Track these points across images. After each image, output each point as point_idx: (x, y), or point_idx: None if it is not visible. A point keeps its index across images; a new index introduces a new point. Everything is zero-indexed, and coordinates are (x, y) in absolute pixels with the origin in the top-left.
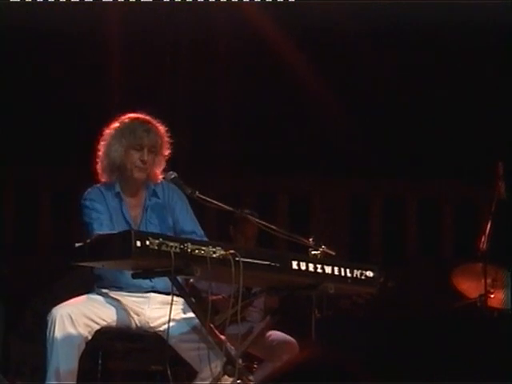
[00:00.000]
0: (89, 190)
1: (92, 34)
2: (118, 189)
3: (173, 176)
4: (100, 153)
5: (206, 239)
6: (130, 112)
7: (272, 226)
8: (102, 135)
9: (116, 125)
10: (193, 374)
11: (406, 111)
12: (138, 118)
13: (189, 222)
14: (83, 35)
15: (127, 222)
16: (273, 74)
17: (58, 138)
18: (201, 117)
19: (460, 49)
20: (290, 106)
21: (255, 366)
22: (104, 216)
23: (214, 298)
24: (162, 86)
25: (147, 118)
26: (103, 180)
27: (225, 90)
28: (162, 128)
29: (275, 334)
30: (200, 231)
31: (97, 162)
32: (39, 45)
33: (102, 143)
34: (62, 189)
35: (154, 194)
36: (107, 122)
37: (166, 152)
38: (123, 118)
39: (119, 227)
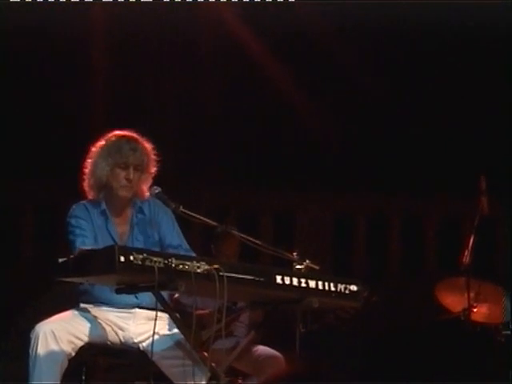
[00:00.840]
0: (73, 206)
1: (80, 36)
2: (103, 206)
3: (157, 191)
4: (86, 171)
5: (192, 253)
6: (117, 128)
7: (256, 241)
8: (88, 153)
9: (102, 143)
10: None
11: (390, 127)
12: (124, 136)
13: (175, 237)
14: (68, 36)
15: (113, 240)
16: (257, 91)
17: (43, 153)
18: (186, 133)
19: (450, 61)
20: (274, 123)
21: (240, 381)
22: (88, 233)
23: (201, 312)
24: (145, 105)
25: (133, 135)
26: (90, 197)
27: (209, 107)
28: (148, 146)
29: (261, 349)
30: (186, 245)
31: (83, 180)
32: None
33: (88, 161)
34: (45, 203)
35: (141, 210)
36: (93, 131)
37: (153, 169)
38: (109, 135)
39: (105, 245)
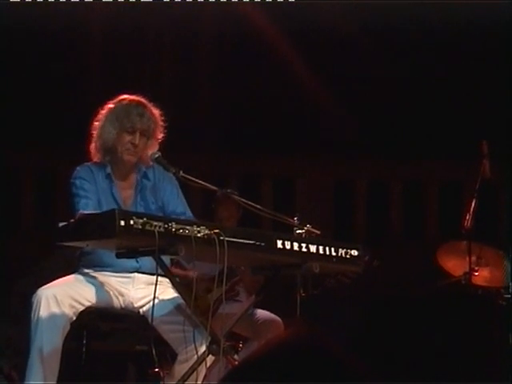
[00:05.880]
0: (78, 168)
1: (82, 29)
2: (109, 170)
3: (157, 155)
4: (94, 133)
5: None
6: (115, 93)
7: (257, 206)
8: (96, 115)
9: (111, 106)
10: (176, 354)
11: (391, 93)
12: (132, 101)
13: (180, 204)
14: (68, 35)
15: (117, 204)
16: (258, 55)
17: (43, 121)
18: (185, 99)
19: (447, 33)
20: (275, 88)
21: (240, 345)
22: (91, 195)
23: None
24: (145, 69)
25: (142, 100)
26: (95, 160)
27: (209, 72)
28: (156, 112)
29: (260, 313)
30: (190, 213)
31: (90, 142)
32: (28, 33)
33: (95, 123)
34: (45, 170)
35: (145, 176)
36: (92, 107)
37: (160, 136)
38: (118, 99)
39: (109, 208)
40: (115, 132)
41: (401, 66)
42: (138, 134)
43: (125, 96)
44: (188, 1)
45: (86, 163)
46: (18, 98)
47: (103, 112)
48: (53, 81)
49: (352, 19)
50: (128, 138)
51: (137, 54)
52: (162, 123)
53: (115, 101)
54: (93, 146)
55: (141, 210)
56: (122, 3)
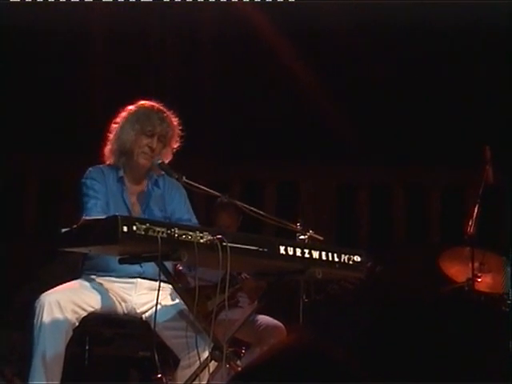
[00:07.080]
0: (90, 169)
1: (82, 29)
2: (121, 173)
3: (160, 161)
4: (111, 135)
5: None
6: (119, 103)
7: (259, 212)
8: (115, 117)
9: (131, 109)
10: (179, 360)
11: (392, 98)
12: (154, 106)
13: (185, 212)
14: (72, 30)
15: (127, 208)
16: (260, 61)
17: (47, 126)
18: (187, 105)
19: (446, 36)
20: (277, 94)
21: (243, 350)
22: (101, 196)
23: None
24: (145, 70)
25: (163, 107)
26: (108, 162)
27: (209, 72)
28: (175, 120)
29: (263, 319)
30: (195, 220)
31: (106, 144)
32: (30, 36)
33: (114, 126)
34: (49, 176)
35: (156, 184)
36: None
37: (175, 145)
38: (139, 103)
39: (118, 212)
40: (134, 134)
41: (402, 70)
42: (156, 138)
43: (145, 101)
44: (188, 1)
45: (97, 165)
46: (18, 101)
47: (123, 114)
48: (53, 82)
49: (352, 19)
50: (146, 141)
51: (137, 54)
52: (179, 132)
53: (136, 104)
54: (108, 148)
55: (148, 216)
56: (122, 3)
